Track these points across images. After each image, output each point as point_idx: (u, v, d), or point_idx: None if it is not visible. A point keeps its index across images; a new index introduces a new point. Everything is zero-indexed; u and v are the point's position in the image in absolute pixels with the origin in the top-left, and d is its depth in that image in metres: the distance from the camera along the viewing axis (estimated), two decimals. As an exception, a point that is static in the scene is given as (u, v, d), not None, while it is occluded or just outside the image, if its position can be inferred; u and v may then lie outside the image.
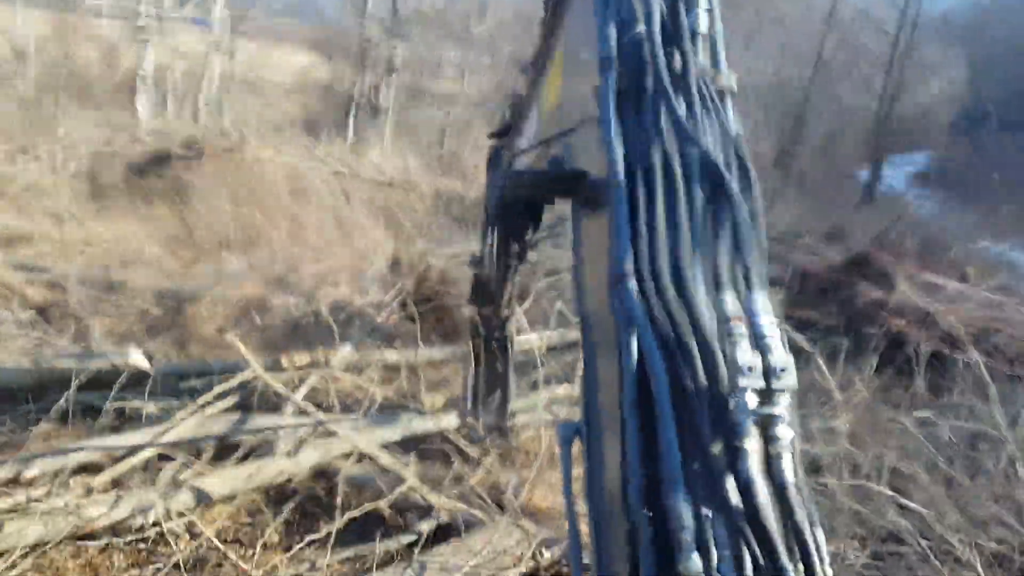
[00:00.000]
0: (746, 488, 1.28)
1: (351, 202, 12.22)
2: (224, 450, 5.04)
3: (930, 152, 33.66)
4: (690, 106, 1.72)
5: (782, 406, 1.34)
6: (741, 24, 26.60)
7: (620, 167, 1.62)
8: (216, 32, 19.15)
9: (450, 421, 5.80)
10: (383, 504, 4.59)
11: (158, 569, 3.94)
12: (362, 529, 4.46)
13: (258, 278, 8.31)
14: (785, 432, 1.34)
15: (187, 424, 4.95)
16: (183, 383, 5.68)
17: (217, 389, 5.13)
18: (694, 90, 1.73)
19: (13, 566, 3.76)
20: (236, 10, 20.25)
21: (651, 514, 1.32)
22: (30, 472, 4.29)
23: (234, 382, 5.24)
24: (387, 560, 4.30)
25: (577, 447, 1.68)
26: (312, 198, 11.55)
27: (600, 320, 1.70)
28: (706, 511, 1.29)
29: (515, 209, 2.36)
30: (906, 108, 27.99)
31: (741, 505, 1.28)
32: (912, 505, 4.75)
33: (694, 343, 1.41)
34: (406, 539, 4.45)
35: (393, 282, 8.30)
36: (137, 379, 5.38)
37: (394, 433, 5.52)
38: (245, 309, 7.06)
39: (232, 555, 4.06)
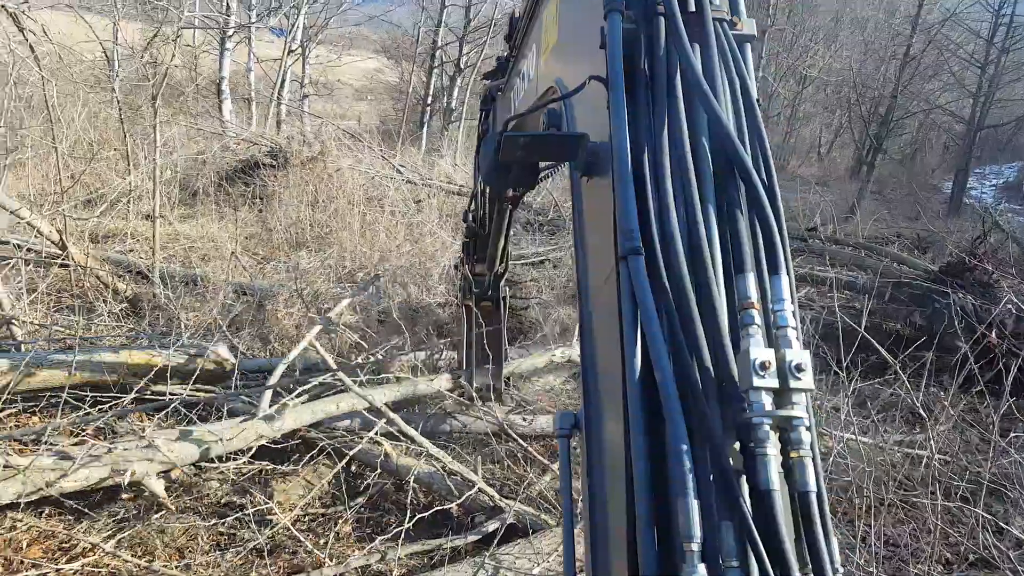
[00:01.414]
0: (763, 497, 1.18)
1: (422, 207, 12.45)
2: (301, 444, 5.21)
3: (1021, 163, 31.92)
4: (706, 56, 1.52)
5: (801, 407, 1.23)
6: (820, 26, 25.83)
7: (625, 131, 1.43)
8: (294, 42, 19.81)
9: (442, 383, 5.75)
10: (453, 506, 4.64)
11: (238, 552, 4.11)
12: (430, 523, 4.54)
13: (331, 276, 8.60)
14: (805, 436, 1.24)
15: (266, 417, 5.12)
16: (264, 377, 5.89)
17: (299, 390, 5.31)
18: (711, 39, 1.52)
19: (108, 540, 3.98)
20: (314, 21, 20.91)
21: (655, 518, 1.21)
22: (117, 451, 4.49)
23: (315, 381, 5.39)
24: (455, 556, 4.35)
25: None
26: (385, 204, 11.83)
27: (602, 297, 1.55)
28: (715, 516, 1.18)
29: (510, 170, 2.12)
30: (996, 116, 26.62)
31: (754, 513, 1.17)
32: (1011, 529, 4.52)
33: (702, 332, 1.27)
34: (473, 537, 4.50)
35: (459, 282, 8.43)
36: (221, 373, 5.62)
37: (392, 393, 5.51)
38: (320, 308, 7.26)
39: (307, 543, 4.19)
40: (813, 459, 1.25)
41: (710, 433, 1.20)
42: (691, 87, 1.45)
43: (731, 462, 1.20)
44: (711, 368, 1.25)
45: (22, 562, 3.93)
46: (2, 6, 6.75)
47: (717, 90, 1.48)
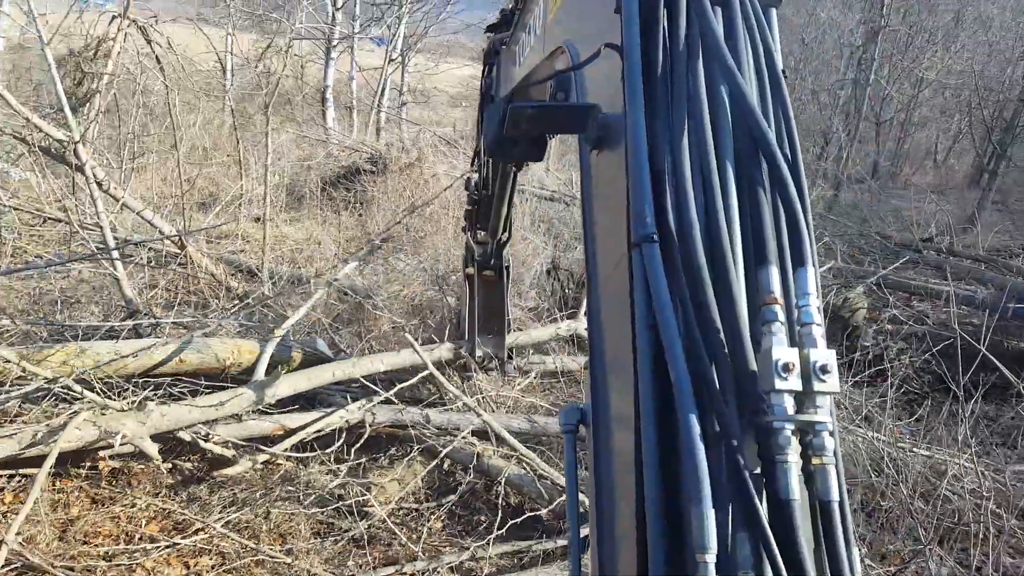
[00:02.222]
0: (783, 506, 1.11)
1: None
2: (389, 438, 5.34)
3: None
4: (729, 22, 1.39)
5: (825, 411, 1.15)
6: (939, 26, 24.41)
7: (640, 106, 1.32)
8: (394, 51, 20.40)
9: (442, 352, 5.65)
10: (544, 512, 4.64)
11: (336, 540, 4.25)
12: (520, 525, 4.55)
13: (426, 278, 8.78)
14: (829, 442, 1.15)
15: (365, 410, 5.27)
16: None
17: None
18: (735, 3, 1.41)
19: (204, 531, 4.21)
20: (414, 30, 21.46)
21: (666, 524, 1.14)
22: (217, 432, 4.77)
23: (413, 381, 5.51)
24: (545, 559, 4.35)
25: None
26: (479, 209, 12.03)
27: (613, 284, 1.44)
28: (728, 524, 1.10)
29: (516, 143, 1.97)
30: None
31: (772, 522, 1.10)
32: None
33: (721, 328, 1.19)
34: (563, 541, 4.47)
35: (551, 287, 8.44)
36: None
37: (392, 361, 5.49)
38: (416, 308, 7.43)
39: (402, 536, 4.29)
40: (836, 466, 1.17)
41: (727, 437, 1.13)
42: (712, 57, 1.34)
43: (748, 468, 1.12)
44: (729, 367, 1.17)
45: (141, 537, 4.21)
46: (133, 20, 7.27)
47: (740, 60, 1.37)
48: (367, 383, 5.48)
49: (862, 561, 4.26)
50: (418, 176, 12.81)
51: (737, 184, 1.30)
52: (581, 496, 1.64)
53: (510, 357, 5.45)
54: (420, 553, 4.18)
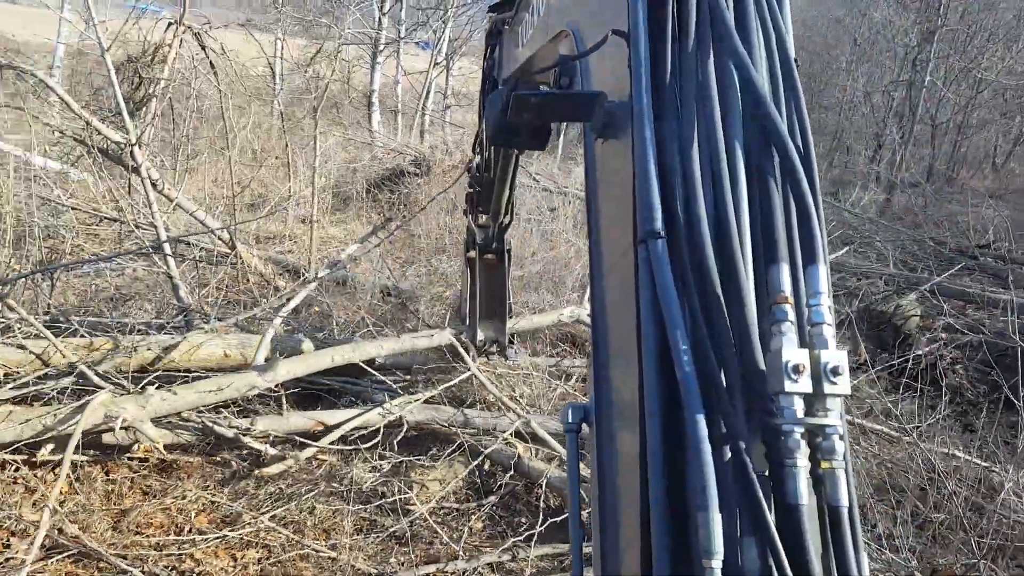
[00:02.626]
0: (791, 511, 1.09)
1: (556, 215, 12.55)
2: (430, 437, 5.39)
3: None
4: (741, 7, 1.35)
5: (835, 414, 1.13)
6: (999, 25, 23.64)
7: (647, 96, 1.27)
8: (439, 55, 20.57)
9: (443, 338, 5.55)
10: (585, 515, 4.62)
11: (378, 537, 4.31)
12: (559, 527, 4.54)
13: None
14: (839, 445, 1.13)
15: (404, 408, 5.32)
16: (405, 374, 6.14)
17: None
18: None
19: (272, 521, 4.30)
20: (458, 33, 21.62)
21: (671, 524, 1.12)
22: (257, 426, 4.86)
23: (455, 381, 5.55)
24: (587, 561, 4.33)
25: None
26: (520, 210, 12.05)
27: (617, 275, 1.40)
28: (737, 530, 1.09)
29: (519, 132, 1.91)
30: None
31: (780, 528, 1.08)
32: None
33: (729, 328, 1.16)
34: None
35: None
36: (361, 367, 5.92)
37: (391, 346, 5.41)
38: (459, 308, 7.48)
39: (443, 534, 4.32)
40: (846, 470, 1.14)
41: (734, 439, 1.10)
42: (723, 43, 1.30)
43: (756, 471, 1.10)
44: (737, 367, 1.15)
45: (191, 529, 4.33)
46: (188, 27, 7.48)
47: (752, 47, 1.32)
48: (395, 380, 5.53)
49: (873, 572, 4.15)
50: (462, 178, 12.94)
51: (747, 177, 1.27)
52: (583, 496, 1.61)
53: (511, 342, 5.35)
54: (460, 552, 4.21)
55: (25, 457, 4.54)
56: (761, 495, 1.08)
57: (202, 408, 4.88)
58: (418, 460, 5.15)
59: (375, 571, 4.08)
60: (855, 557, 1.12)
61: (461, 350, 5.41)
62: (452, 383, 5.47)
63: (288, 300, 6.06)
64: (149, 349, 5.13)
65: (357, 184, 12.62)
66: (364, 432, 5.04)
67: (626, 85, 1.34)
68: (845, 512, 1.13)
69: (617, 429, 1.36)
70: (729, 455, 1.11)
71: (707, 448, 1.07)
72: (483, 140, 3.89)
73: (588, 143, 1.62)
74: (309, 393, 5.67)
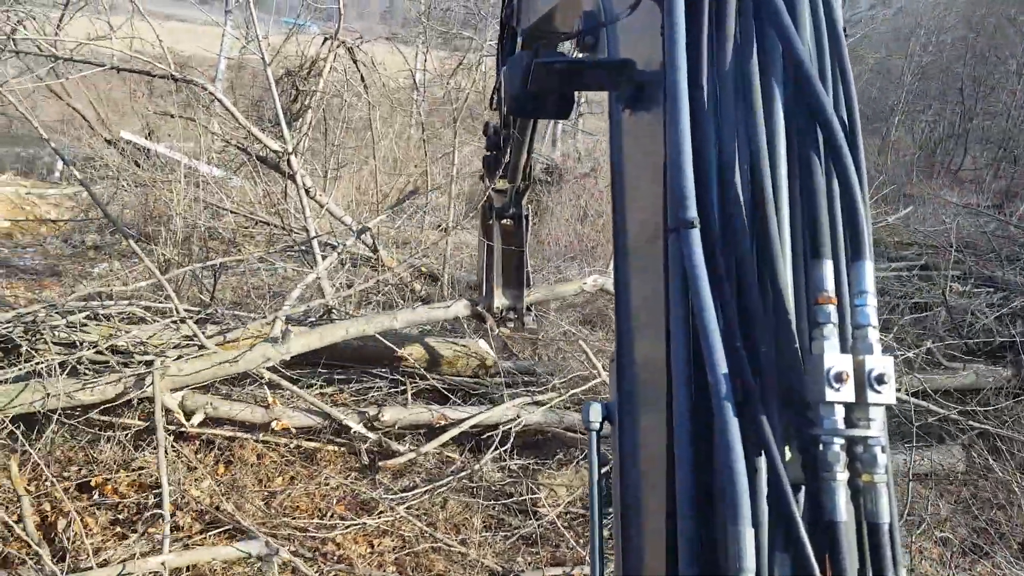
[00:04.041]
0: (828, 528, 1.02)
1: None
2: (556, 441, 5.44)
3: None
4: None
5: (878, 424, 1.04)
6: None
7: (683, 69, 1.14)
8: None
9: (459, 309, 5.38)
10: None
11: (506, 536, 4.40)
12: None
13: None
14: (881, 457, 1.04)
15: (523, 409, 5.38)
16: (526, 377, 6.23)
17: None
18: None
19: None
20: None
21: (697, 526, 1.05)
22: (384, 416, 5.09)
23: (586, 387, 5.56)
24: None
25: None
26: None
27: (644, 260, 1.29)
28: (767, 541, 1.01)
29: (540, 99, 1.74)
30: None
31: (815, 545, 1.01)
32: None
33: (766, 329, 1.07)
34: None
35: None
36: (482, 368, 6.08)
37: (408, 318, 5.35)
38: (587, 317, 7.50)
39: (570, 538, 4.35)
40: (887, 484, 1.05)
41: (767, 448, 1.02)
42: (767, 11, 1.18)
43: (792, 484, 1.02)
44: (774, 370, 1.07)
45: (332, 514, 4.59)
46: (342, 41, 7.97)
47: (797, 14, 1.20)
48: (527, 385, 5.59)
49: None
50: (592, 186, 12.93)
51: (789, 163, 1.16)
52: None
53: (529, 310, 5.18)
54: (587, 558, 4.21)
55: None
56: (796, 510, 1.01)
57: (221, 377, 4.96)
58: (546, 465, 5.20)
59: (503, 569, 4.17)
60: (894, 571, 1.06)
61: (488, 317, 5.27)
62: (582, 388, 5.49)
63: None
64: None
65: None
66: (494, 434, 5.16)
67: (657, 54, 1.22)
68: (886, 529, 1.06)
69: (641, 429, 1.30)
70: (762, 466, 1.03)
71: (739, 457, 1.00)
72: (501, 95, 3.83)
73: (614, 114, 1.50)
74: (440, 392, 5.86)
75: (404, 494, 4.72)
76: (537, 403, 5.37)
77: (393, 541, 4.37)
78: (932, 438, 6.03)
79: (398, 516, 4.43)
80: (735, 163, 1.14)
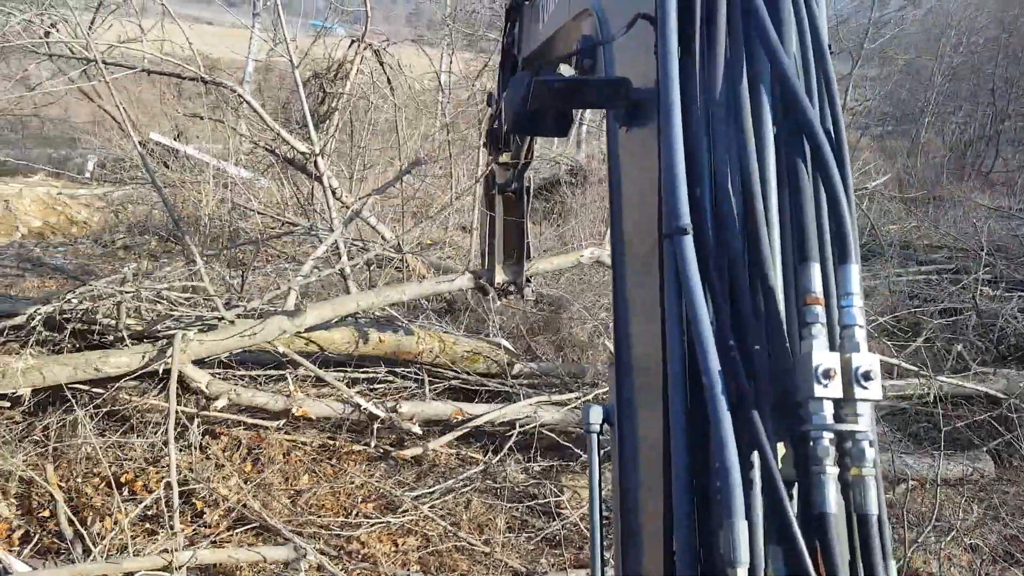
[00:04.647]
0: (818, 520, 1.05)
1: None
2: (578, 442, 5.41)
3: None
4: None
5: (866, 419, 1.08)
6: None
7: (675, 86, 1.20)
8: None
9: (462, 282, 5.46)
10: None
11: (530, 537, 4.41)
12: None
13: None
14: (869, 451, 1.08)
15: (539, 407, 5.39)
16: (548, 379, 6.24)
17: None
18: None
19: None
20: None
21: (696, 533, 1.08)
22: (403, 408, 5.14)
23: (599, 392, 5.57)
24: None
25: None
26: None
27: (641, 265, 1.34)
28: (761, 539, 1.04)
29: (540, 117, 1.84)
30: None
31: (806, 537, 1.03)
32: None
33: (757, 331, 1.11)
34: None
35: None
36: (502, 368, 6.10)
37: (412, 291, 5.47)
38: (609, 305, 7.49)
39: (593, 542, 4.35)
40: (876, 478, 1.09)
41: (760, 445, 1.06)
42: (754, 27, 1.23)
43: (783, 478, 1.06)
44: (765, 369, 1.11)
45: (358, 513, 4.64)
46: (369, 44, 8.03)
47: (784, 31, 1.24)
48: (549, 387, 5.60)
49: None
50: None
51: (778, 173, 1.22)
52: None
53: (528, 281, 5.23)
54: (611, 560, 4.20)
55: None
56: (788, 503, 1.05)
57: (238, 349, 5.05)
58: (568, 465, 5.21)
59: (526, 570, 4.18)
60: (884, 566, 1.09)
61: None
62: (602, 390, 5.48)
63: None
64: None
65: (514, 193, 12.96)
66: (517, 434, 5.18)
67: (652, 71, 1.28)
68: (875, 520, 1.09)
69: (640, 433, 1.33)
70: (755, 461, 1.07)
71: (733, 453, 1.04)
72: (497, 106, 3.76)
73: (611, 131, 1.57)
74: (464, 392, 5.90)
75: (429, 490, 4.75)
76: (556, 403, 5.38)
77: (417, 540, 4.40)
78: (961, 444, 5.94)
79: (422, 516, 4.46)
80: (727, 173, 1.20)
